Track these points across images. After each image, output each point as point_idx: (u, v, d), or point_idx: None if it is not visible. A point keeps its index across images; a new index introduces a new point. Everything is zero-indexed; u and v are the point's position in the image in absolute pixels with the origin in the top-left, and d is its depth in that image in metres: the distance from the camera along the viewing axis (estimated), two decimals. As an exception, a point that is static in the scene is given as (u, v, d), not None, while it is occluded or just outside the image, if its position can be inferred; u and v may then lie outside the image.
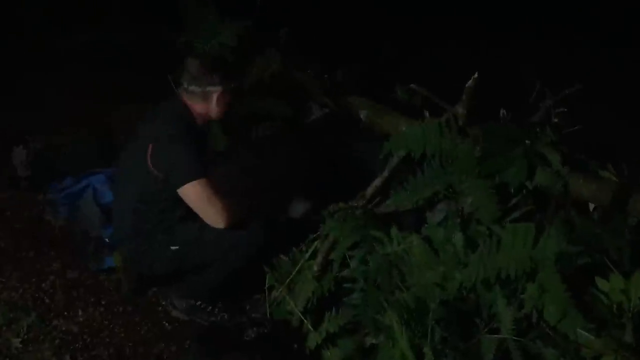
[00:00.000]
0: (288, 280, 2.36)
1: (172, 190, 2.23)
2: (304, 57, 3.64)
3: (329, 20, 4.05)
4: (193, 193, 2.20)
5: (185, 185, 2.19)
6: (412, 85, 2.34)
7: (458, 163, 2.34)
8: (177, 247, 2.32)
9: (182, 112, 2.31)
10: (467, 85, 2.26)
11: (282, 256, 2.44)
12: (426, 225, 2.32)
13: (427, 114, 2.55)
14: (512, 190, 2.21)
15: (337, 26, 4.02)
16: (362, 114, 2.88)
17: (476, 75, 2.23)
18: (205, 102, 2.32)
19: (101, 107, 3.60)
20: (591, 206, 2.22)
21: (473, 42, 4.22)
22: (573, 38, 4.30)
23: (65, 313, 2.50)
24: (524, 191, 2.21)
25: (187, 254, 2.33)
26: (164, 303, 2.60)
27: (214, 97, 2.30)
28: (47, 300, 2.56)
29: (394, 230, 2.23)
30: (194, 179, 2.18)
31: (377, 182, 2.52)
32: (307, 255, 2.39)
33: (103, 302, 2.59)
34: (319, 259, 2.34)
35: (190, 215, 2.31)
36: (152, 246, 2.33)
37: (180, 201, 2.27)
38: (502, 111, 2.28)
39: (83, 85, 3.69)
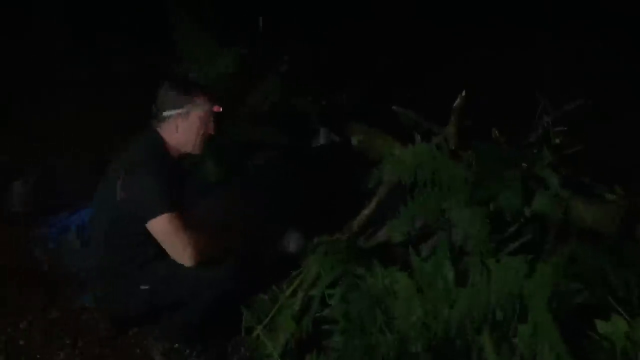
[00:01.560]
0: (266, 320, 2.17)
1: (142, 225, 2.10)
2: (304, 81, 3.54)
3: (332, 41, 3.92)
4: (159, 227, 2.06)
5: (153, 220, 2.05)
6: (394, 107, 2.15)
7: (449, 189, 2.14)
8: (148, 287, 2.17)
9: (155, 142, 2.18)
10: (455, 104, 2.08)
11: (261, 295, 2.25)
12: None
13: (418, 137, 2.36)
14: (508, 218, 1.99)
15: (341, 46, 3.89)
16: (354, 140, 2.71)
17: (464, 93, 2.04)
18: (167, 130, 2.16)
19: (101, 138, 3.54)
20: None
21: (477, 56, 4.00)
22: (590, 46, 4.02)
23: (39, 356, 2.37)
24: (522, 219, 1.99)
25: (160, 294, 2.18)
26: (145, 343, 2.44)
27: (177, 123, 2.14)
28: (21, 342, 2.44)
29: (376, 265, 2.02)
30: (161, 213, 2.04)
31: (365, 212, 2.34)
32: (287, 293, 2.20)
33: (79, 345, 2.44)
34: (299, 297, 2.16)
35: (164, 251, 2.18)
36: (124, 285, 2.19)
37: (152, 236, 2.14)
38: (494, 131, 2.07)
39: (83, 116, 3.65)
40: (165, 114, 2.13)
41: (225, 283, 2.15)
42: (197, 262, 2.08)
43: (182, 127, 2.16)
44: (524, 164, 2.01)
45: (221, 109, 2.21)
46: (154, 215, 2.05)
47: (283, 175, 2.87)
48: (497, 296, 1.72)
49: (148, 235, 2.12)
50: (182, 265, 2.12)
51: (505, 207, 1.99)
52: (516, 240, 1.95)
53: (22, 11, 3.88)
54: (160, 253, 2.18)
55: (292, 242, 2.60)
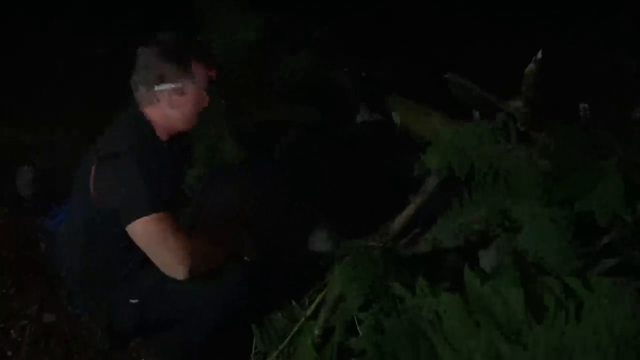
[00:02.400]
0: (282, 345, 1.75)
1: (122, 227, 1.69)
2: (341, 51, 3.06)
3: (375, 9, 3.39)
4: (142, 232, 1.65)
5: (134, 222, 1.64)
6: (447, 74, 1.64)
7: (517, 183, 1.63)
8: (137, 300, 1.78)
9: (139, 122, 1.75)
10: (527, 69, 1.55)
11: (277, 312, 1.83)
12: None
13: (476, 114, 1.86)
14: (601, 225, 1.47)
15: (385, 14, 3.35)
16: (395, 117, 2.22)
17: (540, 55, 1.51)
18: (158, 108, 1.74)
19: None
20: None
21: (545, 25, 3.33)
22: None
23: (27, 371, 2.07)
24: (621, 226, 1.46)
25: (151, 309, 1.80)
26: (144, 360, 2.08)
27: (172, 99, 1.72)
28: (9, 353, 2.17)
29: (422, 283, 1.55)
30: (145, 213, 1.63)
31: (407, 210, 1.86)
32: (308, 312, 1.76)
33: (72, 356, 2.13)
34: (322, 318, 1.71)
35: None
36: (110, 297, 1.82)
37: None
38: (583, 106, 1.54)
39: (98, 98, 3.30)
40: (157, 88, 1.70)
41: (230, 295, 1.76)
42: (191, 275, 1.67)
43: (177, 103, 1.73)
44: (622, 151, 1.47)
45: (215, 75, 1.77)
46: (135, 215, 1.64)
47: (310, 160, 2.40)
48: (592, 336, 1.22)
49: (133, 245, 1.72)
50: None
51: (596, 210, 1.46)
52: (612, 256, 1.44)
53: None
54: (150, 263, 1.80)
55: (318, 242, 2.15)
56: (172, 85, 1.69)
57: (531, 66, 1.52)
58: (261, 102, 2.91)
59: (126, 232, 1.68)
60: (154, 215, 1.63)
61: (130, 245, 1.72)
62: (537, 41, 1.58)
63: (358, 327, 1.59)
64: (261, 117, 2.87)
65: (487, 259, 1.81)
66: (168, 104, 1.72)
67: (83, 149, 1.92)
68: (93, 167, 1.69)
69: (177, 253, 1.65)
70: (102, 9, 3.50)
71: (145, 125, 1.74)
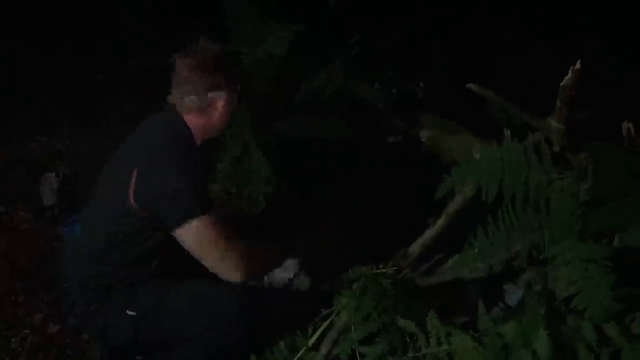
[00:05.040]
0: (280, 377, 1.59)
1: (153, 235, 1.67)
2: (373, 66, 2.93)
3: (411, 24, 3.25)
4: (196, 233, 1.60)
5: (188, 223, 1.59)
6: (469, 85, 1.48)
7: (551, 210, 1.44)
8: (135, 313, 1.68)
9: (180, 125, 1.74)
10: (563, 82, 1.37)
11: (279, 340, 1.67)
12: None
13: (507, 133, 1.68)
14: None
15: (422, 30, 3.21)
16: (423, 135, 2.06)
17: (578, 65, 1.33)
18: (205, 114, 1.74)
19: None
20: None
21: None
22: None
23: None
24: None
25: (145, 325, 1.69)
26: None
27: (219, 105, 1.74)
28: (6, 363, 2.09)
29: (432, 319, 1.37)
30: (200, 214, 1.60)
31: (426, 235, 1.69)
32: (310, 342, 1.60)
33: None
34: (324, 350, 1.55)
35: (163, 268, 1.73)
36: (107, 306, 1.73)
37: (159, 249, 1.70)
38: (627, 125, 1.34)
39: (123, 107, 3.28)
40: (211, 95, 1.72)
41: (228, 322, 1.63)
42: (246, 277, 1.67)
43: (223, 110, 1.76)
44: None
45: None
46: (190, 216, 1.60)
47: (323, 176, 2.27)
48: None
49: (156, 247, 1.69)
50: (176, 291, 1.71)
51: (640, 244, 1.26)
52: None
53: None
54: (159, 272, 1.73)
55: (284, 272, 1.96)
56: (224, 93, 1.73)
57: (568, 78, 1.34)
58: (288, 116, 2.82)
59: (155, 239, 1.67)
60: (209, 217, 1.61)
61: (152, 254, 1.70)
62: (574, 53, 1.40)
63: (360, 362, 1.42)
64: (288, 132, 2.77)
65: (514, 294, 1.62)
66: (218, 111, 1.74)
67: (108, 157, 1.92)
68: (134, 173, 1.64)
69: (232, 255, 1.64)
70: (128, 21, 3.51)
71: (186, 129, 1.74)
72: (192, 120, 1.75)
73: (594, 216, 1.35)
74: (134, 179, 1.64)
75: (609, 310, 1.19)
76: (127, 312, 1.71)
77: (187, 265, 1.68)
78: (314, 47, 2.99)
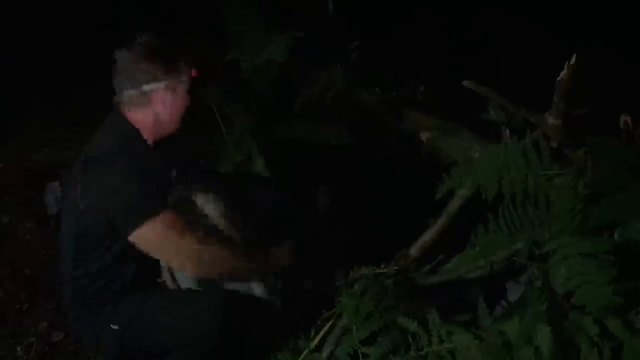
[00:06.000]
0: (283, 381, 1.58)
1: (118, 239, 1.61)
2: (373, 71, 2.94)
3: (406, 28, 3.26)
4: (151, 233, 1.56)
5: (140, 227, 1.55)
6: (465, 82, 1.48)
7: (551, 205, 1.44)
8: (118, 327, 1.66)
9: (124, 127, 1.67)
10: (559, 78, 1.37)
11: (281, 344, 1.67)
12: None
13: (506, 132, 1.68)
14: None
15: (416, 33, 3.22)
16: (423, 136, 2.06)
17: (573, 60, 1.33)
18: (147, 109, 1.66)
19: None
20: None
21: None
22: None
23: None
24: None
25: (130, 338, 1.67)
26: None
27: (159, 98, 1.64)
28: (12, 372, 2.10)
29: (433, 317, 1.37)
30: (150, 215, 1.55)
31: (426, 235, 1.68)
32: (312, 344, 1.60)
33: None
34: (327, 352, 1.55)
35: (142, 276, 1.71)
36: (94, 320, 1.71)
37: (129, 254, 1.64)
38: (624, 117, 1.34)
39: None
40: (145, 88, 1.62)
41: (208, 332, 1.60)
42: (200, 275, 1.68)
43: (168, 103, 1.66)
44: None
45: (198, 74, 1.71)
46: (139, 220, 1.55)
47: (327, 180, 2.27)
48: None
49: (123, 255, 1.64)
50: (155, 300, 1.68)
51: (640, 238, 1.25)
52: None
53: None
54: (139, 281, 1.71)
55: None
56: (163, 84, 1.63)
57: (564, 73, 1.34)
58: (289, 121, 2.82)
59: (118, 247, 1.62)
60: (162, 216, 1.56)
61: (120, 263, 1.65)
62: (569, 50, 1.40)
63: (364, 362, 1.42)
64: (289, 137, 2.77)
65: (517, 292, 1.61)
66: (160, 104, 1.65)
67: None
68: (79, 180, 1.60)
69: (185, 251, 1.60)
70: (130, 31, 3.52)
71: (130, 129, 1.67)
72: (137, 118, 1.66)
73: (593, 211, 1.34)
74: (79, 187, 1.60)
75: (609, 305, 1.18)
76: (111, 326, 1.69)
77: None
78: (314, 53, 3.00)
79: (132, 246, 1.60)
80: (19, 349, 2.20)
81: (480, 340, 1.27)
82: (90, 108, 3.35)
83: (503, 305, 1.61)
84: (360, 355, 1.44)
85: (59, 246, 1.80)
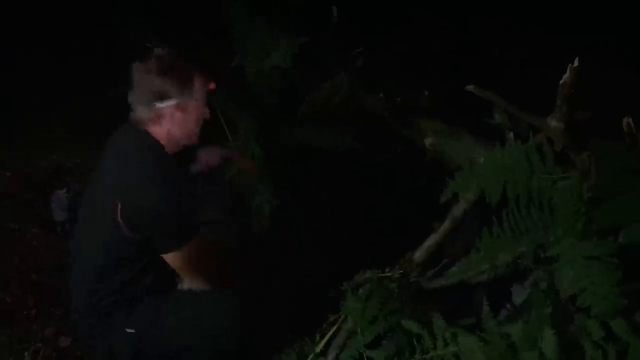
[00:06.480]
0: (289, 385, 1.59)
1: (150, 254, 1.65)
2: (378, 76, 2.95)
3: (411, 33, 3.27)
4: (185, 258, 1.63)
5: (179, 249, 1.61)
6: (468, 87, 1.49)
7: (555, 209, 1.44)
8: (134, 331, 1.68)
9: (149, 143, 1.67)
10: (562, 81, 1.38)
11: (286, 347, 1.68)
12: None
13: (510, 135, 1.69)
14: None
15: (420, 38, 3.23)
16: (427, 141, 2.07)
17: (576, 62, 1.34)
18: (160, 125, 1.67)
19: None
20: None
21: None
22: None
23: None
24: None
25: (145, 342, 1.68)
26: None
27: (166, 114, 1.66)
28: (19, 378, 2.11)
29: (438, 321, 1.37)
30: (189, 239, 1.61)
31: (431, 239, 1.69)
32: (318, 348, 1.60)
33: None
34: (332, 355, 1.55)
35: (160, 281, 1.72)
36: (109, 324, 1.72)
37: (154, 264, 1.68)
38: (628, 120, 1.34)
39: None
40: (158, 106, 1.63)
41: (225, 337, 1.62)
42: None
43: (179, 121, 1.67)
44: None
45: (215, 87, 1.73)
46: (178, 245, 1.60)
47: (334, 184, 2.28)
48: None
49: (148, 266, 1.68)
50: (171, 305, 1.71)
51: (644, 241, 1.26)
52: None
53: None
54: (156, 286, 1.73)
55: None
56: (174, 102, 1.64)
57: (566, 76, 1.35)
58: (293, 126, 2.83)
59: (148, 260, 1.66)
60: (192, 243, 1.61)
61: (144, 273, 1.69)
62: (571, 53, 1.41)
63: (367, 366, 1.42)
64: (293, 142, 2.79)
65: (522, 295, 1.61)
66: (170, 121, 1.66)
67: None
68: (117, 200, 1.59)
69: (207, 276, 1.68)
70: (136, 38, 3.54)
71: (154, 145, 1.67)
72: (156, 132, 1.67)
73: (597, 214, 1.34)
74: (119, 205, 1.59)
75: (614, 307, 1.18)
76: (127, 330, 1.70)
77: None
78: (319, 59, 3.01)
79: (158, 258, 1.65)
80: (26, 354, 2.20)
81: (484, 343, 1.27)
82: (91, 108, 3.39)
83: (508, 309, 1.61)
84: (365, 359, 1.44)
85: (74, 254, 1.80)
